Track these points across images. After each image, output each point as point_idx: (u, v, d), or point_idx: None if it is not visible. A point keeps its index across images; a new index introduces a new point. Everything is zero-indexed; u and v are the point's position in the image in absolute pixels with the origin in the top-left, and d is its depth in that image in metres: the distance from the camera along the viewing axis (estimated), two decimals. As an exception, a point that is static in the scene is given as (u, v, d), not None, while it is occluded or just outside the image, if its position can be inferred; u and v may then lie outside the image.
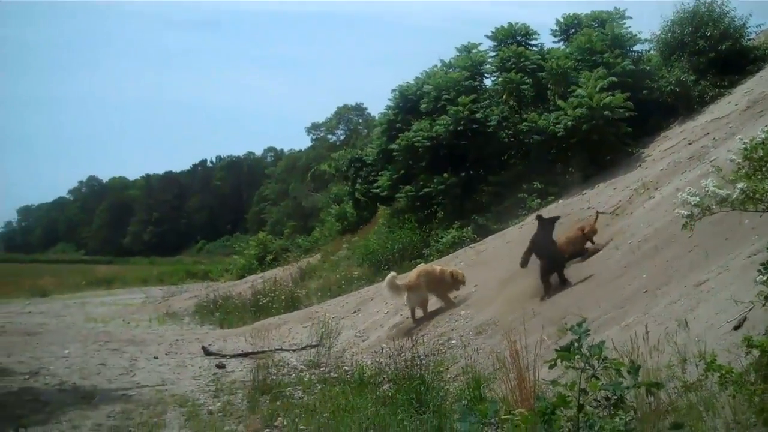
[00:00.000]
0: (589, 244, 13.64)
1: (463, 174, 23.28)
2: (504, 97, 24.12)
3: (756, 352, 4.43)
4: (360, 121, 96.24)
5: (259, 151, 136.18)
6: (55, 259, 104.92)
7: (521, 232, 17.96)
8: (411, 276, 14.68)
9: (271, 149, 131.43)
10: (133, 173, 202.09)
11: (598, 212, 14.73)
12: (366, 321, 16.18)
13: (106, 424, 9.21)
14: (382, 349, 12.48)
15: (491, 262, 16.44)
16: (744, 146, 4.72)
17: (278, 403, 9.84)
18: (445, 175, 23.21)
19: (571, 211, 17.07)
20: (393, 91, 27.68)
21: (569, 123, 20.12)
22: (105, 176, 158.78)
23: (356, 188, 32.66)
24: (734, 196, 4.41)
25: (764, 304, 4.23)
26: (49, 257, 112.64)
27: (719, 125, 17.05)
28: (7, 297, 33.28)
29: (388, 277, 14.64)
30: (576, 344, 5.04)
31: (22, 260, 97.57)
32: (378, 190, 27.53)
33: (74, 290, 39.79)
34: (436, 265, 15.73)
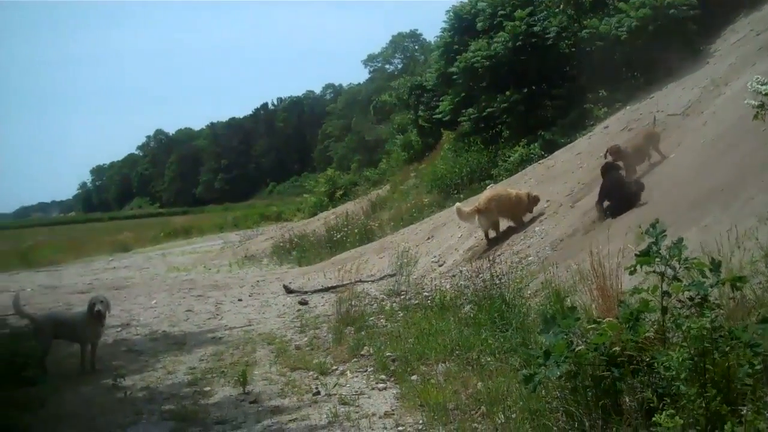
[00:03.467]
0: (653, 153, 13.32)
1: (525, 90, 22.82)
2: (561, 6, 23.47)
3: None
4: (416, 48, 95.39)
5: (318, 90, 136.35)
6: (132, 214, 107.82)
7: (590, 142, 17.67)
8: (481, 199, 14.59)
9: (329, 86, 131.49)
10: (198, 123, 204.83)
11: (655, 117, 14.39)
12: (441, 246, 16.23)
13: (200, 367, 9.48)
14: (460, 272, 12.56)
15: (561, 176, 16.22)
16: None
17: (363, 333, 9.98)
18: (507, 93, 22.85)
19: (640, 116, 16.68)
20: (447, 12, 27.24)
21: (633, 25, 19.46)
22: (171, 129, 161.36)
23: (419, 115, 32.50)
24: (809, 81, 4.27)
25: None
26: (126, 213, 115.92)
27: (788, 13, 16.37)
28: (90, 255, 34.38)
29: (456, 206, 14.69)
30: (654, 247, 5.00)
31: (100, 219, 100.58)
32: (440, 116, 27.34)
33: (154, 243, 40.89)
34: (509, 188, 15.54)
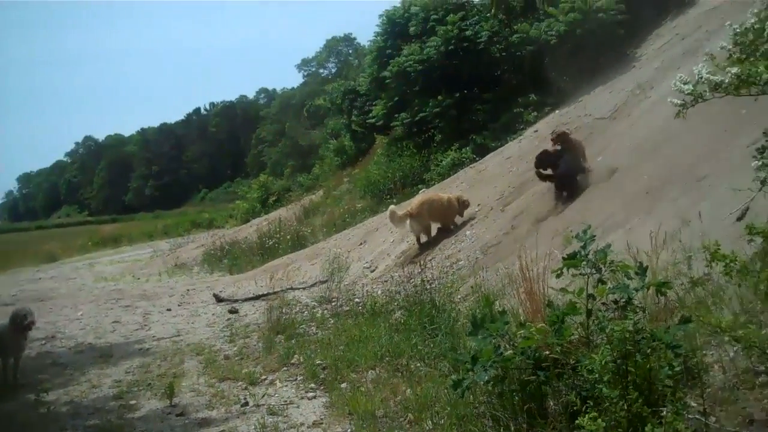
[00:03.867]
0: None
1: (457, 95, 22.95)
2: (492, 10, 23.67)
3: (759, 240, 4.39)
4: (350, 52, 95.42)
5: (251, 94, 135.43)
6: (59, 223, 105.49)
7: (520, 146, 17.85)
8: (413, 204, 14.64)
9: (263, 90, 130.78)
10: (129, 129, 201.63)
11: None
12: (373, 251, 16.20)
13: (126, 379, 9.27)
14: (392, 277, 12.55)
15: (492, 180, 16.36)
16: (734, 32, 4.61)
17: (293, 341, 9.90)
18: (440, 97, 22.97)
19: (569, 119, 16.90)
20: (380, 16, 27.28)
21: (562, 29, 19.78)
22: (101, 135, 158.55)
23: (352, 120, 32.49)
24: (727, 80, 4.31)
25: (761, 188, 4.17)
26: (53, 222, 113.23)
27: (711, 17, 16.70)
28: (16, 266, 33.40)
29: (389, 209, 14.69)
30: (582, 251, 5.02)
31: (27, 228, 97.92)
32: (374, 120, 27.36)
33: (82, 252, 40.00)
34: (440, 193, 15.58)
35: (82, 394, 8.74)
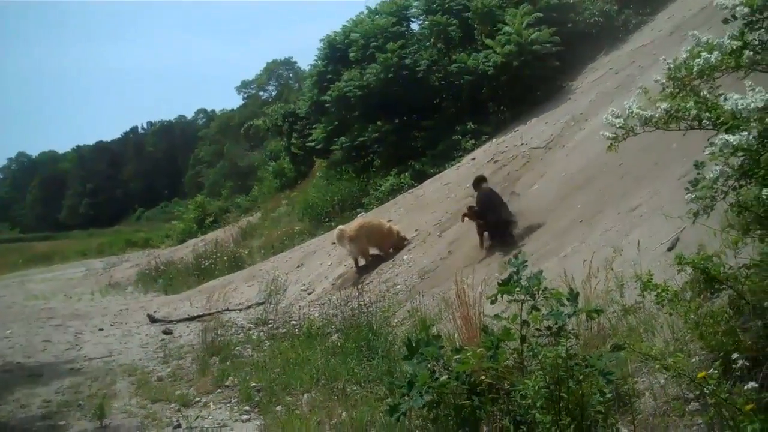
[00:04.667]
0: None
1: (396, 121, 23.14)
2: (432, 40, 24.00)
3: (689, 270, 4.52)
4: (290, 75, 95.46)
5: (190, 114, 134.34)
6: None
7: (458, 173, 18.04)
8: (352, 226, 14.71)
9: (201, 111, 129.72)
10: (64, 146, 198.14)
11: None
12: (311, 274, 16.18)
13: (56, 399, 9.09)
14: (329, 300, 12.53)
15: (430, 206, 16.49)
16: (668, 67, 4.78)
17: (228, 363, 9.86)
18: (379, 123, 23.07)
19: (505, 148, 17.18)
20: (321, 41, 27.37)
21: (499, 60, 20.09)
22: (34, 151, 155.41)
23: (292, 143, 32.44)
24: (657, 115, 4.47)
25: (693, 222, 4.31)
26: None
27: (644, 52, 17.20)
28: (-58, 282, 32.48)
29: (338, 229, 14.80)
30: (515, 277, 5.11)
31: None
32: (313, 144, 27.31)
33: (12, 269, 38.98)
34: (381, 220, 15.63)
35: (10, 414, 8.56)
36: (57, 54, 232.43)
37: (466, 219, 12.24)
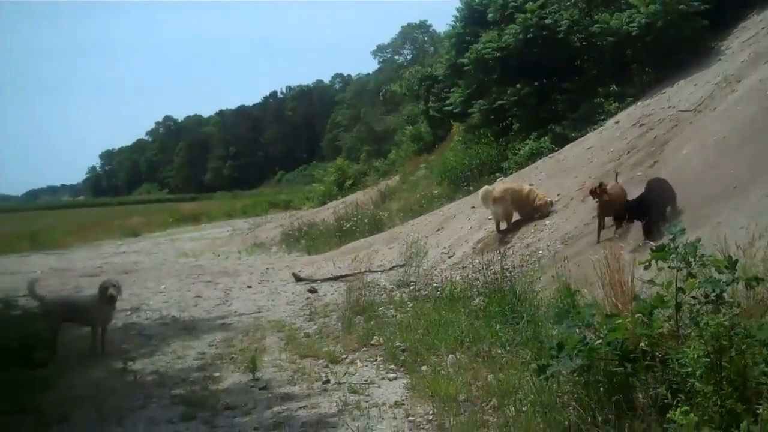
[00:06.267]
0: None
1: (536, 83, 22.67)
2: (573, -1, 23.37)
3: None
4: (425, 39, 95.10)
5: (327, 79, 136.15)
6: (140, 199, 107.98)
7: (601, 137, 17.61)
8: (498, 188, 14.64)
9: (338, 75, 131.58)
10: (207, 110, 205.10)
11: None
12: (450, 238, 16.22)
13: (209, 352, 9.56)
14: (471, 263, 12.54)
15: (572, 171, 16.18)
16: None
17: (372, 322, 10.05)
18: (518, 85, 22.69)
19: (651, 111, 16.61)
20: (460, 2, 27.12)
21: (643, 21, 19.35)
22: (180, 115, 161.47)
23: (429, 106, 32.41)
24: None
25: None
26: (135, 198, 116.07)
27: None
28: (99, 239, 34.46)
29: (483, 189, 14.73)
30: (671, 243, 5.01)
31: (109, 203, 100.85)
32: (451, 107, 27.19)
33: (162, 228, 40.94)
34: (524, 184, 15.36)
35: (167, 365, 9.07)
36: (203, 24, 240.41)
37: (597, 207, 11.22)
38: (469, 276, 11.45)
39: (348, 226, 22.36)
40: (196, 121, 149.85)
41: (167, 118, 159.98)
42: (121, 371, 8.67)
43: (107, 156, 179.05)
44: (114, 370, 8.84)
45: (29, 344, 9.44)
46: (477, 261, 12.28)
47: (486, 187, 14.94)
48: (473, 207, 16.53)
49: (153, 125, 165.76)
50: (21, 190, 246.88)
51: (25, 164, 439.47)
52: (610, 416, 4.82)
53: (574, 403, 5.20)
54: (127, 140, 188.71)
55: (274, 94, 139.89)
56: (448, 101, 27.56)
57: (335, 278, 14.60)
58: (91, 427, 6.79)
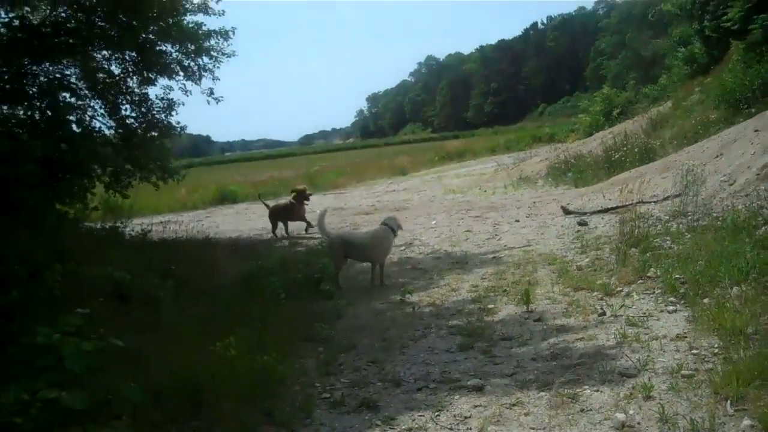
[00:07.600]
0: None
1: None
2: None
3: None
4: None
5: (590, 5, 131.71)
6: (405, 140, 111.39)
7: None
8: None
9: (602, 1, 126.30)
10: (468, 47, 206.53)
11: None
12: (731, 164, 15.14)
13: (482, 285, 9.76)
14: (756, 191, 11.70)
15: None
16: None
17: (648, 254, 9.68)
18: (808, -7, 20.62)
19: None
20: None
21: None
22: (441, 55, 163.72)
23: (704, 25, 30.28)
24: None
25: None
26: (400, 138, 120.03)
27: None
28: (371, 179, 36.13)
29: None
30: None
31: (376, 144, 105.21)
32: (728, 24, 25.22)
33: (428, 166, 42.03)
34: None
35: (443, 297, 9.39)
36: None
37: None
38: (753, 204, 10.71)
39: (617, 156, 21.62)
40: (457, 58, 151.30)
41: (429, 57, 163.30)
42: (400, 303, 9.11)
43: (373, 99, 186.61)
44: (393, 302, 9.30)
45: (317, 278, 10.19)
46: (762, 188, 11.45)
47: None
48: (756, 130, 15.31)
49: (416, 66, 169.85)
50: (296, 136, 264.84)
51: (299, 112, 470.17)
52: None
53: None
54: (392, 83, 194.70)
55: (534, 25, 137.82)
56: (724, 18, 25.56)
57: (605, 210, 14.25)
58: (377, 354, 7.18)
